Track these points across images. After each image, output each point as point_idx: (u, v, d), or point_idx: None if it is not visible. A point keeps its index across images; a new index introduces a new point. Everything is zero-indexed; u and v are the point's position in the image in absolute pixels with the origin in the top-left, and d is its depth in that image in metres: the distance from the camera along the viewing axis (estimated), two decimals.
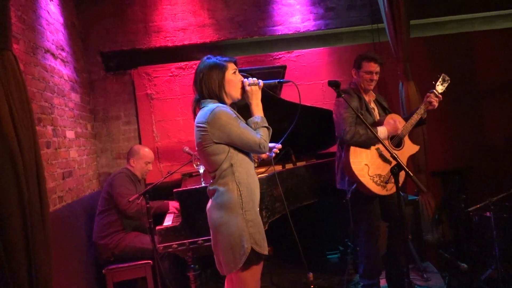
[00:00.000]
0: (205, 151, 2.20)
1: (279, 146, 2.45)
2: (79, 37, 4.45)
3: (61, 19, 3.89)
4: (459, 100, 5.00)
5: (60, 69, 3.69)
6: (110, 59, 4.64)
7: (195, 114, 2.33)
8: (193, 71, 4.68)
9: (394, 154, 2.07)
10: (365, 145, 3.04)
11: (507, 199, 3.77)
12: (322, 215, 4.65)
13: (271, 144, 2.42)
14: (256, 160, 2.55)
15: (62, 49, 3.83)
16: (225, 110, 2.15)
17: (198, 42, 4.71)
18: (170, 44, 4.69)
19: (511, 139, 5.03)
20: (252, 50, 4.85)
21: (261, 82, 2.27)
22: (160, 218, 3.47)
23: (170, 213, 3.63)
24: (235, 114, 2.20)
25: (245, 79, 2.27)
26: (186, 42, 4.70)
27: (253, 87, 2.24)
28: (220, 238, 2.18)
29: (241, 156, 2.20)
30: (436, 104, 3.13)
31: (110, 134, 4.65)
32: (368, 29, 4.87)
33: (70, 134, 3.73)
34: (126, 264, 3.52)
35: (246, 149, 2.19)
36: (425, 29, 5.06)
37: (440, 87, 3.17)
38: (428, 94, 3.17)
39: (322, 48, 4.93)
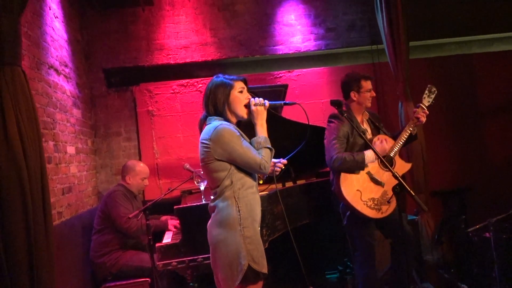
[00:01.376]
0: (207, 167, 2.22)
1: (285, 161, 2.44)
2: (83, 54, 4.50)
3: (65, 36, 3.93)
4: (459, 121, 5.04)
5: (63, 84, 3.72)
6: (112, 76, 4.68)
7: (201, 131, 2.34)
8: (195, 88, 4.79)
9: (395, 173, 2.08)
10: (353, 170, 3.04)
11: (507, 220, 3.77)
12: (321, 234, 4.62)
13: (275, 160, 2.43)
14: (260, 177, 2.54)
15: (66, 65, 3.86)
16: (229, 128, 2.17)
17: (200, 60, 4.76)
18: (172, 62, 4.74)
19: (511, 160, 5.06)
20: (253, 68, 4.90)
21: (267, 102, 2.28)
22: (159, 236, 3.46)
23: (169, 230, 3.62)
24: (239, 132, 2.22)
25: (252, 99, 2.28)
26: (188, 60, 4.75)
27: (258, 107, 2.25)
28: (219, 255, 2.19)
29: (242, 174, 2.22)
30: (423, 119, 3.13)
31: (110, 150, 4.65)
32: (368, 49, 4.94)
33: (70, 149, 3.74)
34: (124, 282, 3.49)
35: (246, 169, 2.20)
36: (424, 50, 5.13)
37: (426, 100, 3.19)
38: (415, 109, 3.19)
39: (322, 67, 4.99)
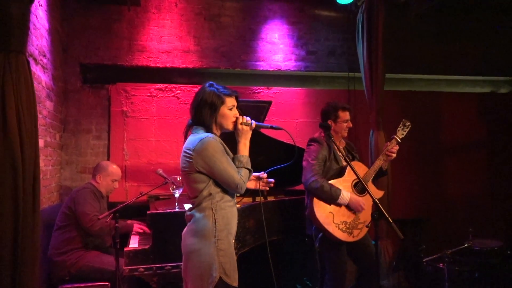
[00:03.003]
0: (188, 177, 2.21)
1: (272, 180, 2.47)
2: (60, 46, 4.37)
3: (47, 25, 3.82)
4: (422, 154, 5.28)
5: (39, 75, 3.60)
6: (89, 71, 4.58)
7: (185, 138, 2.32)
8: (172, 94, 4.76)
9: (375, 199, 2.16)
10: (325, 200, 3.10)
11: (460, 253, 3.97)
12: (281, 253, 4.65)
13: (256, 174, 2.45)
14: None
15: (44, 55, 3.75)
16: (214, 142, 2.16)
17: (181, 67, 4.75)
18: (152, 65, 4.69)
19: (468, 195, 5.35)
20: (232, 81, 4.93)
21: (253, 123, 2.28)
22: (122, 238, 3.36)
23: (134, 234, 3.54)
24: (223, 147, 2.21)
25: (240, 117, 2.26)
26: (168, 65, 4.72)
27: (244, 126, 2.25)
28: (191, 265, 2.17)
29: (221, 187, 2.21)
30: (393, 155, 3.22)
31: (78, 146, 4.52)
32: (345, 76, 5.11)
33: (40, 142, 3.59)
34: (83, 284, 3.35)
35: (223, 185, 2.20)
36: (396, 83, 5.37)
37: (400, 132, 3.30)
38: (387, 143, 3.28)
39: (300, 88, 5.11)
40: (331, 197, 3.06)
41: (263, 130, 3.70)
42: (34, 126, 1.67)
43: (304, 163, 3.23)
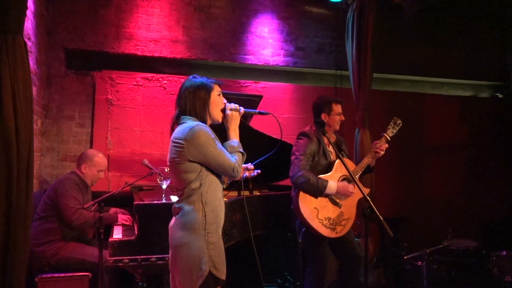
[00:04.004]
0: (177, 167, 2.18)
1: (258, 171, 2.49)
2: (45, 29, 4.24)
3: (32, 7, 3.71)
4: (404, 154, 5.36)
5: None
6: (73, 57, 4.45)
7: (172, 130, 2.29)
8: (159, 84, 4.70)
9: (366, 195, 2.18)
10: (312, 194, 3.12)
11: (439, 252, 4.07)
12: (263, 247, 4.65)
13: (244, 165, 2.45)
14: (225, 181, 2.55)
15: (29, 38, 3.63)
16: (205, 129, 2.16)
17: (169, 56, 4.68)
18: (139, 53, 4.61)
19: (447, 197, 5.47)
20: (220, 74, 4.87)
21: (242, 109, 2.33)
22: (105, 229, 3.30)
23: (118, 225, 3.49)
24: (214, 134, 2.21)
25: (228, 103, 2.31)
26: (156, 54, 4.65)
27: (233, 112, 2.30)
28: (180, 258, 2.15)
29: (211, 178, 2.21)
30: (382, 152, 3.28)
31: (60, 133, 4.40)
32: (332, 73, 5.14)
33: None
34: (63, 274, 3.28)
35: (219, 171, 2.20)
36: (381, 83, 5.41)
37: (391, 130, 3.36)
38: (376, 141, 3.32)
39: (288, 84, 5.10)
40: (318, 189, 3.08)
41: (251, 124, 3.72)
42: (30, 108, 1.62)
43: (292, 157, 3.23)
